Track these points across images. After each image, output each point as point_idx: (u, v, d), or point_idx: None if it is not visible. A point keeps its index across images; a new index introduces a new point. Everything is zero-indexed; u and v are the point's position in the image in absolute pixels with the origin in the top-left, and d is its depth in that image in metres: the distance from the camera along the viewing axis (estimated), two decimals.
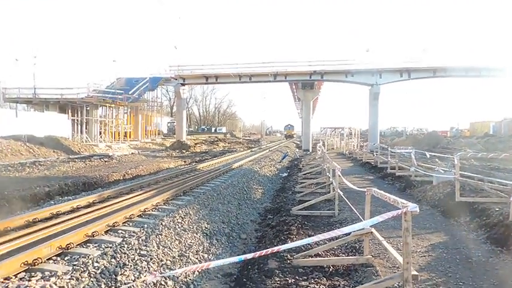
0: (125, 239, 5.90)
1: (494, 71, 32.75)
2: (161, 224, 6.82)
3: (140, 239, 5.92)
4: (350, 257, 5.33)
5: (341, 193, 8.08)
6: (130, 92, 35.81)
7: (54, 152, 23.39)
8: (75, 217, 7.17)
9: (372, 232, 4.78)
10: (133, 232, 6.30)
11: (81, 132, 31.76)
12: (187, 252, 6.16)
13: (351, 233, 4.77)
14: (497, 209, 7.22)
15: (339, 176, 8.15)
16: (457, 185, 8.47)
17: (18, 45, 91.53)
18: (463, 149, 29.44)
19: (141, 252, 5.49)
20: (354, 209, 6.29)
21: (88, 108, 32.90)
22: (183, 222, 7.32)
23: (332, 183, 9.50)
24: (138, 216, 7.65)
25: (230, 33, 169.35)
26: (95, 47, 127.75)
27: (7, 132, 22.83)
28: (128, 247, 5.50)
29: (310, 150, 37.08)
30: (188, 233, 6.88)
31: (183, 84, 38.41)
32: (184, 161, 24.13)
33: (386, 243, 4.40)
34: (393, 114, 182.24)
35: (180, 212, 7.85)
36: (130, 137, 39.88)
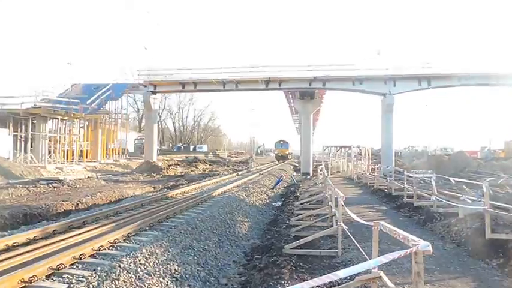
0: (72, 285, 5.78)
1: None
2: (119, 266, 6.69)
3: (91, 286, 5.79)
4: None
5: (345, 227, 8.04)
6: (88, 102, 35.68)
7: None
8: (8, 258, 7.00)
9: (380, 277, 4.72)
10: (83, 276, 6.18)
11: (25, 151, 31.42)
12: None
13: (354, 277, 4.71)
14: None
15: (342, 205, 8.13)
16: (487, 219, 8.48)
17: None
18: (496, 173, 29.86)
19: None
20: (360, 247, 6.23)
21: (35, 122, 32.64)
22: (147, 263, 7.20)
23: (335, 214, 9.47)
24: (90, 256, 7.52)
25: (213, 33, 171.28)
26: (46, 46, 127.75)
27: None
28: None
29: (311, 174, 37.00)
30: (153, 278, 6.75)
31: (154, 93, 38.51)
32: (154, 187, 24.06)
33: None
34: (412, 130, 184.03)
35: (144, 251, 7.73)
36: (87, 157, 39.58)
